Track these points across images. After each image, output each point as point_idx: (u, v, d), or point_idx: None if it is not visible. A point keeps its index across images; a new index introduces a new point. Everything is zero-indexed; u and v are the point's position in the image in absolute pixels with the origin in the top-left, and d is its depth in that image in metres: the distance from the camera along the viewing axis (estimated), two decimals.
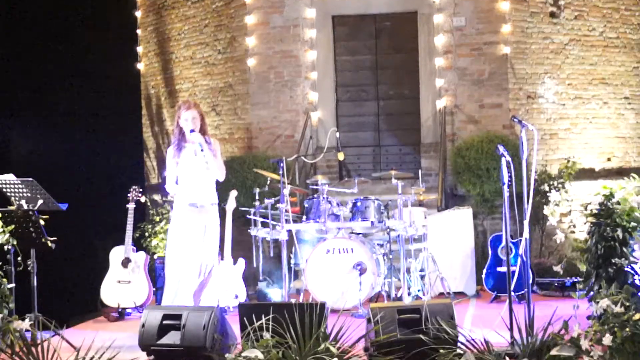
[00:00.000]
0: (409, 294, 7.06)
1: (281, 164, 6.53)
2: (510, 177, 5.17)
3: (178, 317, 5.10)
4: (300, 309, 4.78)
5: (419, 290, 7.23)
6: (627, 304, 4.48)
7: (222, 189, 7.54)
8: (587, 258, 5.28)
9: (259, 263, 7.72)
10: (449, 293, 7.45)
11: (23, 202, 5.71)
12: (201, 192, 5.98)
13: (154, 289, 7.49)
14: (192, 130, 5.90)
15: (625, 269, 5.05)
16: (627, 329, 4.32)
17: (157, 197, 10.94)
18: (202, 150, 5.84)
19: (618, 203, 5.12)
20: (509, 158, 5.21)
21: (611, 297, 4.55)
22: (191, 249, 5.89)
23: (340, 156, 7.30)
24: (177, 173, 5.97)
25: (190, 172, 5.94)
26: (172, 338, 5.07)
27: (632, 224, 5.07)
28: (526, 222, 5.27)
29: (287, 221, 6.62)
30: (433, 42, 9.59)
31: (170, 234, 6.01)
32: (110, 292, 7.21)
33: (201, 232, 5.94)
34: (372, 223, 7.11)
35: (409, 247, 7.36)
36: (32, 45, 10.31)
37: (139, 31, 11.74)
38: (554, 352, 4.43)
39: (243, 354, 4.60)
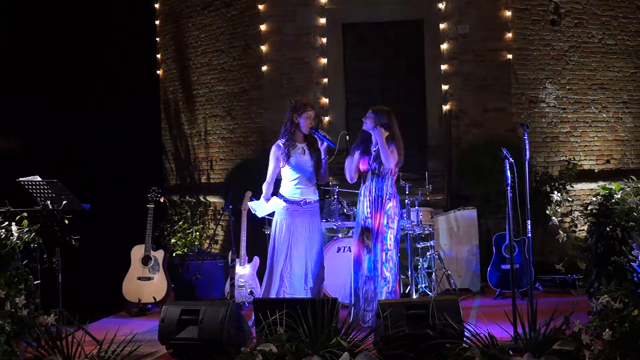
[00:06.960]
0: (416, 290, 7.12)
1: None
2: (513, 178, 5.30)
3: (196, 312, 5.20)
4: (313, 304, 4.83)
5: (426, 287, 7.28)
6: (626, 300, 4.48)
7: (238, 190, 7.70)
8: (587, 256, 5.32)
9: None
10: (454, 289, 7.53)
11: (48, 202, 5.71)
12: (310, 190, 6.00)
13: (173, 285, 7.56)
14: (312, 129, 5.94)
15: (625, 266, 4.98)
16: (626, 325, 4.35)
17: (175, 197, 10.98)
18: (334, 144, 5.90)
19: (617, 203, 5.16)
20: (512, 160, 5.31)
21: (611, 293, 4.56)
22: (305, 245, 5.90)
23: None
24: (284, 172, 5.93)
25: (301, 170, 5.94)
26: (190, 332, 5.17)
27: (631, 223, 5.04)
28: (528, 222, 5.39)
29: None
30: (439, 49, 9.59)
31: (281, 231, 5.90)
32: (131, 288, 7.30)
33: (309, 228, 5.94)
34: None
35: (417, 245, 7.40)
36: (56, 51, 10.34)
37: (157, 39, 11.76)
38: (555, 346, 4.50)
39: (258, 348, 4.65)
